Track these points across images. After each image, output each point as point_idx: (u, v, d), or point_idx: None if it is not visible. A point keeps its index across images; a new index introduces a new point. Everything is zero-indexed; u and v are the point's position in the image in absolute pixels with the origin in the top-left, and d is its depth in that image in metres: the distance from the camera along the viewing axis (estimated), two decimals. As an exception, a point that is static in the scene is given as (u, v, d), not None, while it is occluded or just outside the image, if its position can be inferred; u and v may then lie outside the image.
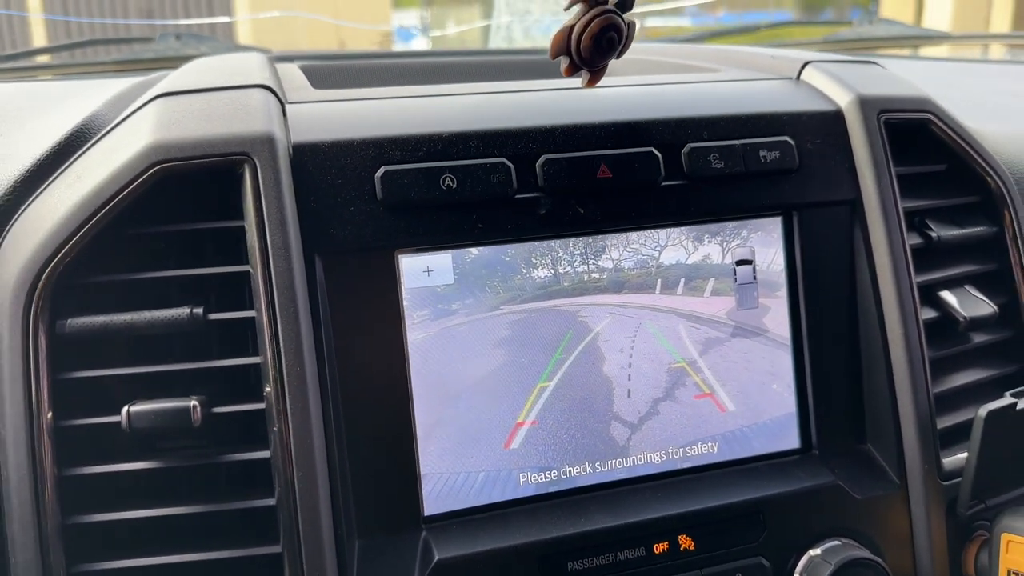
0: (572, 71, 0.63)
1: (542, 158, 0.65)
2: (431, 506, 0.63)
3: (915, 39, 1.89)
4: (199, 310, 0.58)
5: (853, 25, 1.85)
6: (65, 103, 0.81)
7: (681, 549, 0.65)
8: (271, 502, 0.58)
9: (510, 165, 0.64)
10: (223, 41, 1.75)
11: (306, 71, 0.87)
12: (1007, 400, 0.65)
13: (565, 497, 0.66)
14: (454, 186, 0.63)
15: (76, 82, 1.11)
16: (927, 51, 1.98)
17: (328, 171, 0.61)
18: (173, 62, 1.23)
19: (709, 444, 0.69)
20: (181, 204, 0.60)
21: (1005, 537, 0.66)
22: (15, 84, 1.18)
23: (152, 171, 0.58)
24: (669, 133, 0.68)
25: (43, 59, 1.82)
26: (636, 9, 0.63)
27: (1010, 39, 2.33)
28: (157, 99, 0.64)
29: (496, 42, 2.05)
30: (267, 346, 0.58)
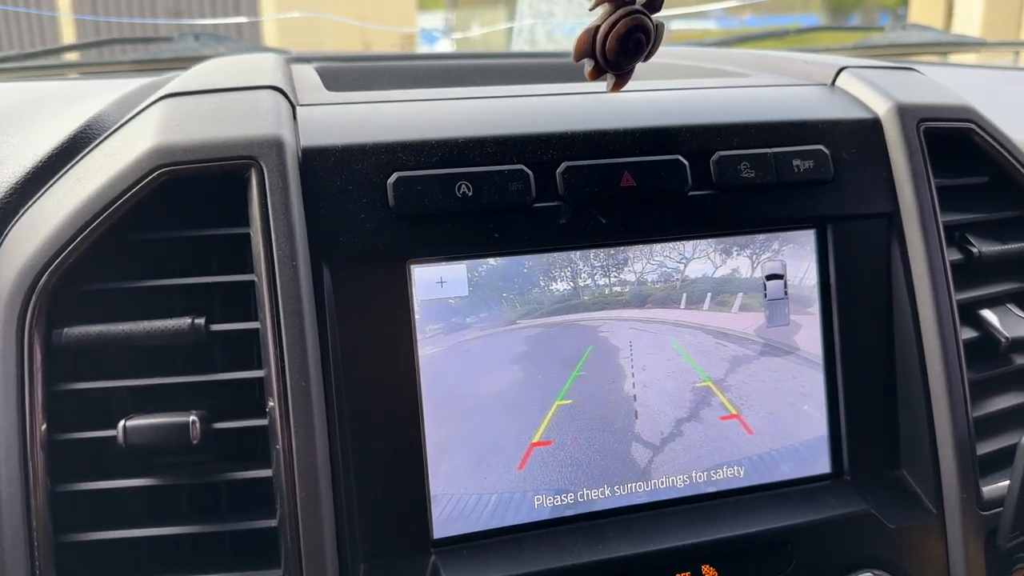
0: (597, 74, 0.60)
1: (563, 165, 0.62)
2: (441, 529, 0.60)
3: (949, 46, 1.84)
4: (201, 321, 0.56)
5: (885, 31, 1.80)
6: (75, 103, 0.79)
7: (704, 580, 0.62)
8: (272, 523, 0.56)
9: (529, 172, 0.61)
10: (248, 41, 1.74)
11: (321, 72, 0.84)
12: (1053, 427, 0.61)
13: (582, 522, 0.63)
14: (470, 194, 0.60)
15: (91, 82, 1.10)
16: (957, 58, 1.93)
17: (338, 177, 0.59)
18: (192, 62, 1.21)
19: (735, 468, 0.66)
20: (184, 209, 0.57)
21: (1049, 573, 0.62)
22: (31, 83, 1.16)
23: (155, 175, 0.55)
24: (697, 140, 0.65)
25: (64, 58, 1.81)
26: (661, 12, 0.60)
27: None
28: (162, 100, 0.62)
29: (518, 45, 2.02)
30: (271, 359, 0.55)
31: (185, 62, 1.31)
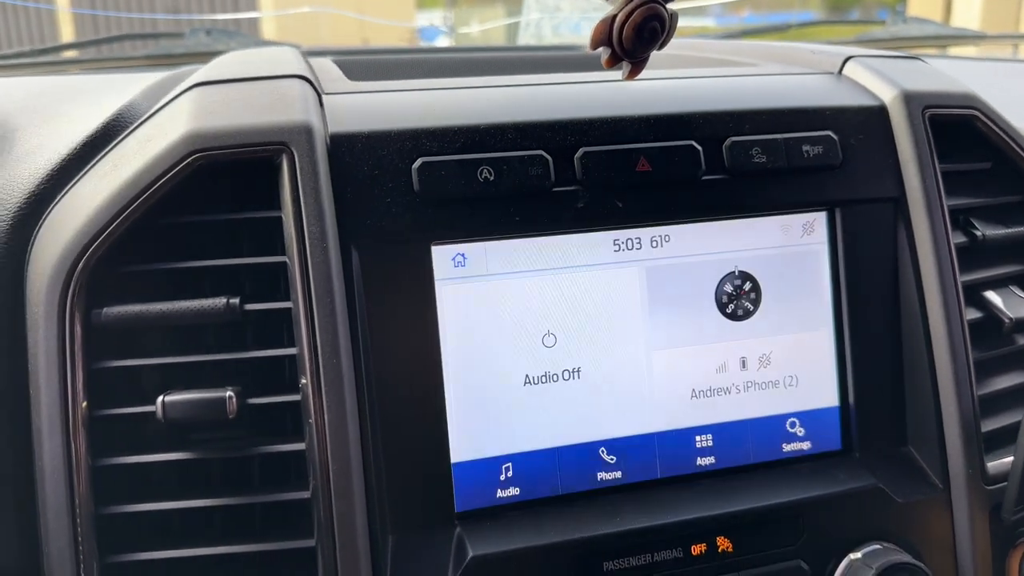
0: (613, 62, 0.62)
1: (580, 151, 0.64)
2: (464, 502, 0.63)
3: (949, 38, 1.86)
4: (235, 300, 0.58)
5: (886, 24, 1.82)
6: (97, 95, 0.81)
7: (719, 551, 0.64)
8: (305, 495, 0.58)
9: (548, 157, 0.63)
10: (250, 37, 1.75)
11: (340, 64, 0.86)
12: (1056, 403, 0.63)
13: (600, 495, 0.65)
14: (491, 178, 0.62)
15: (108, 76, 1.11)
16: (957, 51, 1.94)
17: (365, 162, 0.60)
18: (203, 57, 1.23)
19: (748, 444, 0.68)
20: (218, 193, 0.59)
21: (1052, 544, 0.64)
22: (47, 77, 1.18)
23: (189, 160, 0.57)
24: (710, 126, 0.67)
25: (74, 54, 1.83)
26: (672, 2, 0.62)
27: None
28: (193, 88, 0.63)
29: (525, 39, 2.03)
30: (304, 337, 0.57)
31: (197, 57, 1.33)
